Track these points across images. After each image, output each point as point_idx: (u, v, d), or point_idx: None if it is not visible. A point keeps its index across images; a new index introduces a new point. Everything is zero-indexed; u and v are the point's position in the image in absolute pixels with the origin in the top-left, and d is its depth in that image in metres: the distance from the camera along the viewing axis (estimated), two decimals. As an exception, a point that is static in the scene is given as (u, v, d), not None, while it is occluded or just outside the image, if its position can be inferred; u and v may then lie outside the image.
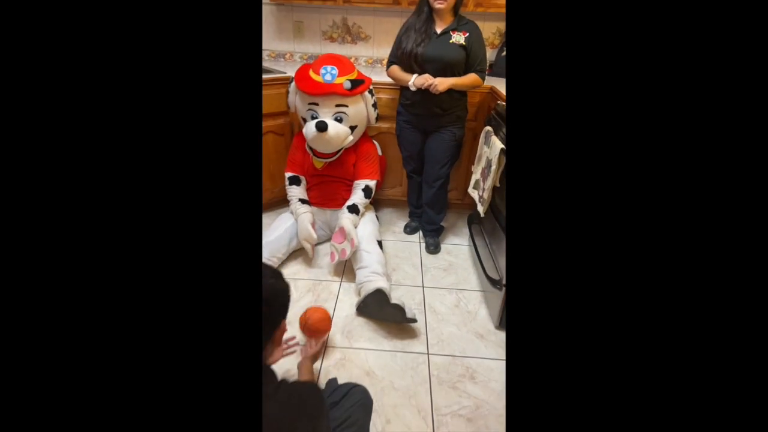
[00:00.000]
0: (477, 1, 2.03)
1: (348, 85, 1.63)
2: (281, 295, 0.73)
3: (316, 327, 1.24)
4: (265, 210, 2.23)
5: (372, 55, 2.44)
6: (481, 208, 1.58)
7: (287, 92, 1.86)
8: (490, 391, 1.26)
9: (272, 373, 0.73)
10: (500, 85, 1.94)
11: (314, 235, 1.74)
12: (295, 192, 1.86)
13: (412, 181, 2.05)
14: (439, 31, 1.61)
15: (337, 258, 1.65)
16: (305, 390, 0.75)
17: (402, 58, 1.68)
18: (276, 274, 0.75)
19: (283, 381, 0.72)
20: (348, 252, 1.63)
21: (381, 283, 1.50)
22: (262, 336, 0.70)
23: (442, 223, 2.04)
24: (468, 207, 2.29)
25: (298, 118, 2.00)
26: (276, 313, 0.73)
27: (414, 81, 1.62)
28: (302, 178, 1.90)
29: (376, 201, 2.26)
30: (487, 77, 1.77)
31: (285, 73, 2.07)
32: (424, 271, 1.84)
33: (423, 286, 1.74)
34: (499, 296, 1.47)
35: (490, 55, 2.28)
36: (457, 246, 2.04)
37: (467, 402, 1.22)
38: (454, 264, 1.90)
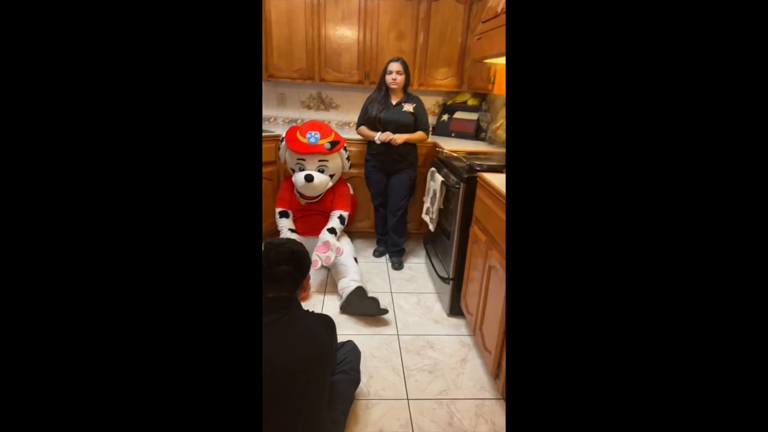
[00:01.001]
0: (420, 81, 2.76)
1: (328, 146, 2.19)
2: (306, 257, 1.17)
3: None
4: (254, 242, 2.63)
5: (341, 119, 3.07)
6: (431, 226, 2.12)
7: (277, 147, 2.39)
8: (444, 354, 1.70)
9: (300, 305, 1.14)
10: (440, 140, 2.60)
11: None
12: (285, 223, 2.31)
13: (378, 213, 2.57)
14: (394, 102, 2.26)
15: (320, 264, 2.05)
16: (327, 317, 1.17)
17: (368, 120, 2.30)
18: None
19: (310, 311, 1.14)
20: (332, 258, 2.06)
21: (359, 284, 1.95)
22: (297, 285, 1.12)
23: (403, 246, 2.54)
24: (422, 234, 2.84)
25: (284, 167, 2.52)
26: (305, 268, 1.15)
27: (379, 137, 2.22)
28: (290, 212, 2.36)
29: (349, 232, 2.73)
30: (430, 135, 2.42)
31: (273, 132, 2.61)
32: (391, 281, 2.30)
33: (391, 292, 2.19)
34: (448, 289, 1.95)
35: (432, 120, 2.99)
36: (416, 264, 2.54)
37: (428, 361, 1.65)
38: (414, 276, 2.38)
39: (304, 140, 2.19)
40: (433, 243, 2.30)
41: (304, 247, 1.18)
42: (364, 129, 2.34)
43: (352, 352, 1.38)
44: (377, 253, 2.61)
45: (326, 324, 1.14)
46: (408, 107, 2.24)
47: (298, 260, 1.12)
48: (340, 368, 1.31)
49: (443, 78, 2.77)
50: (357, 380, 1.36)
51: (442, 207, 2.03)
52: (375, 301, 1.86)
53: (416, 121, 2.25)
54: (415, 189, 2.46)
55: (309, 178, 2.15)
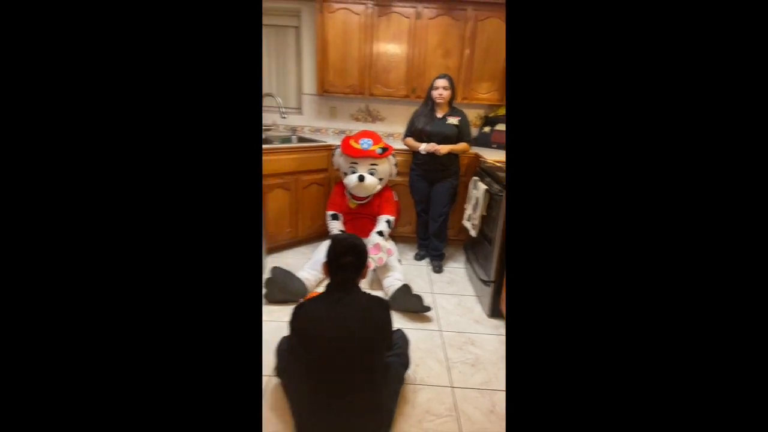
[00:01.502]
0: (464, 95, 2.91)
1: (379, 150, 2.38)
2: (365, 250, 1.33)
3: None
4: (306, 242, 2.85)
5: (386, 131, 3.27)
6: (473, 231, 2.24)
7: (330, 155, 2.62)
8: (486, 350, 1.80)
9: (360, 288, 1.31)
10: (481, 151, 2.73)
11: None
12: (335, 225, 2.51)
13: (421, 219, 2.72)
14: (439, 115, 2.42)
15: (374, 265, 2.23)
16: (382, 297, 1.33)
17: (415, 132, 2.47)
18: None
19: (367, 292, 1.31)
20: (384, 259, 2.22)
21: (405, 282, 2.09)
22: (359, 270, 1.30)
23: (444, 251, 2.67)
24: (461, 241, 2.95)
25: (335, 174, 2.73)
26: (364, 259, 1.32)
27: (424, 147, 2.39)
28: (340, 215, 2.56)
29: (392, 236, 2.90)
30: (472, 146, 2.55)
31: (325, 142, 2.84)
32: (432, 283, 2.43)
33: (433, 293, 2.31)
34: (488, 292, 2.06)
35: (474, 131, 3.12)
36: (456, 268, 2.65)
37: (470, 356, 1.76)
38: (454, 279, 2.50)
39: (357, 146, 2.40)
40: (474, 248, 2.41)
41: (363, 241, 1.35)
42: (410, 140, 2.52)
43: (401, 338, 1.53)
44: (418, 257, 2.75)
45: (381, 302, 1.32)
46: (452, 120, 2.39)
47: (359, 252, 1.31)
48: (392, 351, 1.45)
49: (486, 92, 2.91)
50: (407, 364, 1.50)
51: (485, 214, 2.14)
52: (419, 298, 2.00)
53: (460, 133, 2.40)
54: (457, 197, 2.59)
55: (361, 179, 2.35)
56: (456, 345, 1.83)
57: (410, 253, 2.82)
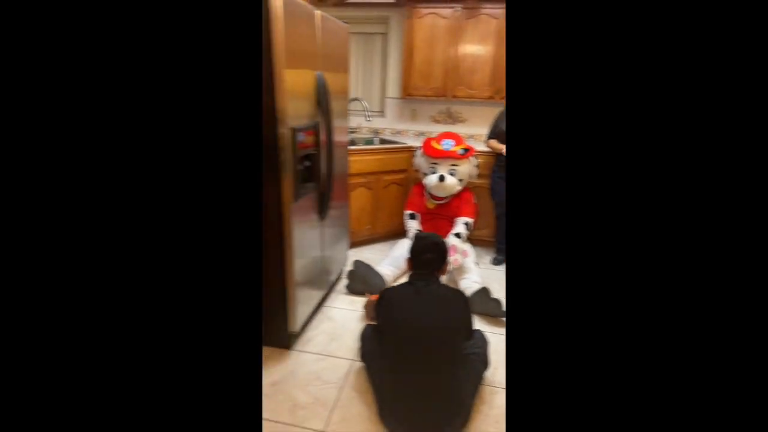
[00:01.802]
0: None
1: (461, 151, 2.40)
2: (445, 248, 1.39)
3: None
4: (384, 239, 2.98)
5: (466, 132, 3.26)
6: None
7: (412, 156, 2.70)
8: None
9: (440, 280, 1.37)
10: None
11: None
12: (413, 224, 2.58)
13: (500, 222, 2.67)
14: (526, 117, 2.36)
15: (450, 267, 2.26)
16: (459, 290, 1.38)
17: (499, 134, 2.44)
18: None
19: (446, 284, 1.36)
20: (460, 261, 2.24)
21: (483, 285, 2.09)
22: (440, 266, 1.35)
23: (523, 256, 2.59)
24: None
25: (414, 175, 2.81)
26: (445, 256, 1.38)
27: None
28: (417, 214, 2.63)
29: (469, 239, 2.89)
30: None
31: (405, 143, 2.93)
32: (511, 288, 2.38)
33: (511, 298, 2.26)
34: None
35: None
36: (536, 276, 2.55)
37: (552, 366, 1.69)
38: (534, 286, 2.41)
39: (439, 146, 2.45)
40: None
41: (444, 240, 1.41)
42: (493, 142, 2.49)
43: (481, 338, 1.54)
44: (496, 262, 2.71)
45: (460, 294, 1.39)
46: (540, 121, 2.32)
47: (440, 250, 1.38)
48: (471, 349, 1.48)
49: (577, 92, 2.75)
50: (486, 362, 1.51)
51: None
52: (498, 302, 1.98)
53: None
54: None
55: (441, 178, 2.40)
56: (536, 353, 1.78)
57: (487, 257, 2.78)
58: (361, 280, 2.23)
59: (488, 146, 2.54)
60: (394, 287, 1.42)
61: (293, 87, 1.47)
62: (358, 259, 2.37)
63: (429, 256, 1.35)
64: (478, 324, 1.97)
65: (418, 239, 1.42)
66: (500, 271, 2.61)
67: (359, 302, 2.17)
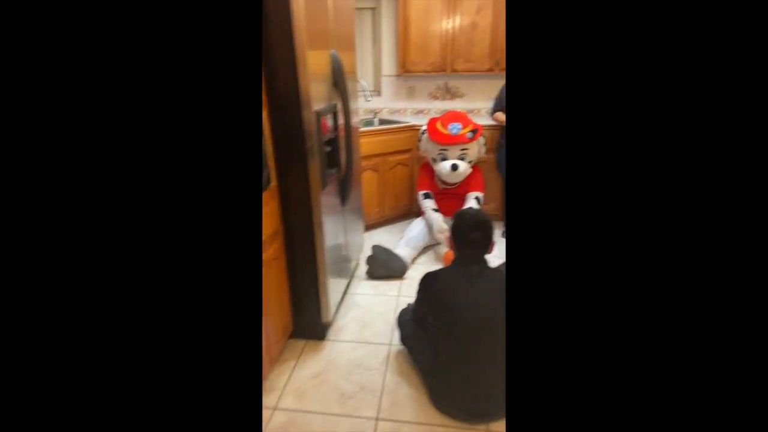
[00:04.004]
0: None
1: (470, 135, 2.37)
2: (492, 225, 1.36)
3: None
4: (392, 221, 2.95)
5: (466, 107, 3.22)
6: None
7: (417, 139, 2.65)
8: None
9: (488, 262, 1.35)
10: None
11: (445, 227, 2.37)
12: (429, 204, 2.55)
13: (509, 195, 2.68)
14: (533, 87, 2.34)
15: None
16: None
17: (504, 107, 2.41)
18: (486, 214, 1.38)
19: (496, 266, 1.34)
20: None
21: (504, 260, 2.10)
22: (488, 245, 1.33)
23: (535, 228, 2.62)
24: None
25: (417, 154, 2.76)
26: (492, 233, 1.35)
27: None
28: (431, 193, 2.60)
29: (476, 215, 2.90)
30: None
31: (407, 122, 2.86)
32: (527, 260, 2.41)
33: (529, 269, 2.30)
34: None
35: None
36: (549, 245, 2.60)
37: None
38: (549, 256, 2.45)
39: (447, 132, 2.40)
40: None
41: (489, 217, 1.38)
42: (500, 115, 2.46)
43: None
44: (506, 234, 2.73)
45: None
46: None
47: (487, 227, 1.34)
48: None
49: (577, 59, 2.73)
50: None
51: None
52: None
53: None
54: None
55: (455, 167, 2.37)
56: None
57: (498, 231, 2.80)
58: (382, 264, 2.21)
59: (494, 119, 2.52)
60: (446, 270, 1.38)
61: (313, 69, 1.39)
62: (375, 243, 2.34)
63: (476, 235, 1.31)
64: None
65: (461, 217, 1.36)
66: (513, 243, 2.65)
67: (382, 287, 2.15)
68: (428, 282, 1.36)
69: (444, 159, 2.43)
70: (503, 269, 1.38)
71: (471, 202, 2.48)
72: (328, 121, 1.55)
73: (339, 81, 1.62)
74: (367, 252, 2.27)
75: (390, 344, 1.70)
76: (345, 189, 1.80)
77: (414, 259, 2.40)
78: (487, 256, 1.81)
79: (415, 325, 1.51)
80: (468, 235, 1.32)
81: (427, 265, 2.37)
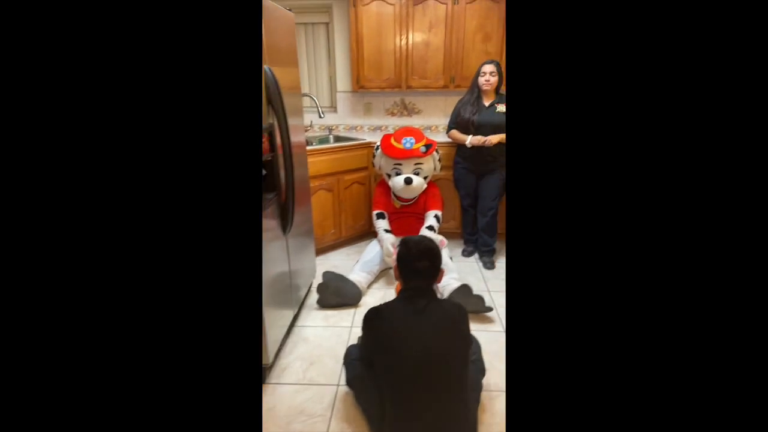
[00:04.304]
0: (506, 82, 2.77)
1: (423, 149, 2.30)
2: (440, 252, 1.25)
3: None
4: (349, 243, 2.81)
5: (424, 124, 3.17)
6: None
7: (371, 155, 2.55)
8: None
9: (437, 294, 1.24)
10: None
11: (393, 252, 2.26)
12: (382, 224, 2.44)
13: (467, 213, 2.62)
14: (486, 104, 2.30)
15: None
16: (460, 304, 1.26)
17: (460, 123, 2.36)
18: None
19: (445, 298, 1.24)
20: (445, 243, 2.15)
21: (462, 281, 2.01)
22: (435, 275, 1.22)
23: (494, 246, 2.56)
24: (511, 235, 2.83)
25: (374, 171, 2.67)
26: (440, 262, 1.24)
27: (471, 140, 2.28)
28: (386, 213, 2.49)
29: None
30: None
31: (363, 139, 2.77)
32: (486, 280, 2.33)
33: (489, 291, 2.22)
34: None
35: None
36: (508, 264, 2.54)
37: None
38: (509, 275, 2.39)
39: (400, 146, 2.32)
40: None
41: (437, 244, 1.28)
42: (455, 133, 2.41)
43: (475, 344, 1.45)
44: (466, 253, 2.66)
45: (461, 310, 1.24)
46: (501, 108, 2.27)
47: (434, 255, 1.23)
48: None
49: (529, 77, 2.75)
50: (483, 369, 1.43)
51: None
52: (480, 298, 1.91)
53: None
54: (506, 189, 2.47)
55: (408, 181, 2.27)
56: (525, 346, 1.74)
57: (457, 250, 2.73)
58: (334, 291, 2.06)
59: (450, 137, 2.46)
60: (391, 304, 1.25)
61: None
62: (327, 270, 2.19)
63: (422, 264, 1.20)
64: (462, 323, 1.90)
65: (407, 245, 1.24)
66: (473, 262, 2.57)
67: (334, 317, 2.00)
68: (371, 319, 1.22)
69: (398, 174, 2.34)
70: (455, 301, 1.28)
71: (430, 221, 2.39)
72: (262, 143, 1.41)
73: (274, 98, 1.49)
74: (320, 279, 2.11)
75: (338, 384, 1.54)
76: (287, 213, 1.66)
77: (370, 284, 2.27)
78: (440, 284, 1.66)
79: (361, 365, 1.37)
80: (413, 264, 1.20)
81: (384, 290, 2.24)
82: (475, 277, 2.39)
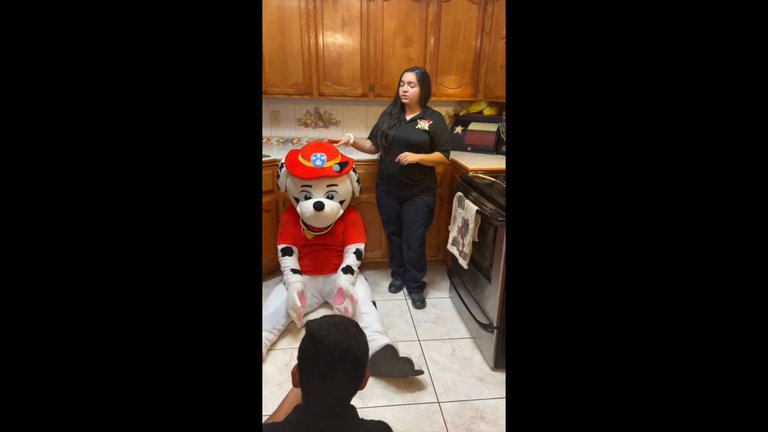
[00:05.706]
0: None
1: (337, 168, 1.88)
2: (366, 353, 0.78)
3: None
4: (253, 284, 2.29)
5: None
6: (463, 262, 1.82)
7: (275, 175, 2.07)
8: (499, 426, 1.39)
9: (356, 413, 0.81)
10: (458, 157, 2.31)
11: (299, 305, 1.79)
12: (288, 263, 1.98)
13: (392, 242, 2.26)
14: (408, 118, 1.96)
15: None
16: (386, 426, 0.84)
17: (375, 134, 2.00)
18: (363, 336, 0.79)
19: (367, 420, 0.81)
20: (350, 310, 1.74)
21: (386, 339, 1.63)
22: (353, 393, 0.78)
23: (423, 280, 2.23)
24: (441, 262, 2.54)
25: (282, 196, 2.20)
26: (365, 367, 0.78)
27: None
28: (294, 248, 2.03)
29: (360, 265, 2.42)
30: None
31: (269, 156, 2.28)
32: (416, 325, 1.99)
33: (419, 340, 1.87)
34: (491, 339, 1.65)
35: (444, 132, 2.70)
36: (440, 299, 2.23)
37: (483, 440, 1.33)
38: (441, 316, 2.07)
39: (309, 164, 1.88)
40: (463, 278, 1.99)
41: (363, 340, 0.79)
42: (358, 140, 2.05)
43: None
44: (393, 288, 2.30)
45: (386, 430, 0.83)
46: (422, 124, 1.93)
47: (356, 362, 0.75)
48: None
49: (456, 87, 2.49)
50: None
51: (476, 240, 1.73)
52: (408, 362, 1.54)
53: (433, 140, 1.94)
54: (433, 215, 2.15)
55: (319, 206, 1.83)
56: (462, 424, 1.40)
57: (384, 284, 2.36)
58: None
59: (353, 146, 2.07)
60: (279, 428, 0.78)
61: None
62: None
63: (340, 377, 0.73)
64: (384, 385, 1.51)
65: (315, 343, 0.74)
66: (401, 299, 2.22)
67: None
68: None
69: (308, 198, 1.90)
70: (381, 423, 0.84)
71: (350, 259, 1.98)
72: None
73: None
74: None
75: None
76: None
77: (274, 344, 1.79)
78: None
79: None
80: (324, 372, 0.74)
81: (292, 351, 1.78)
82: (404, 320, 2.03)
